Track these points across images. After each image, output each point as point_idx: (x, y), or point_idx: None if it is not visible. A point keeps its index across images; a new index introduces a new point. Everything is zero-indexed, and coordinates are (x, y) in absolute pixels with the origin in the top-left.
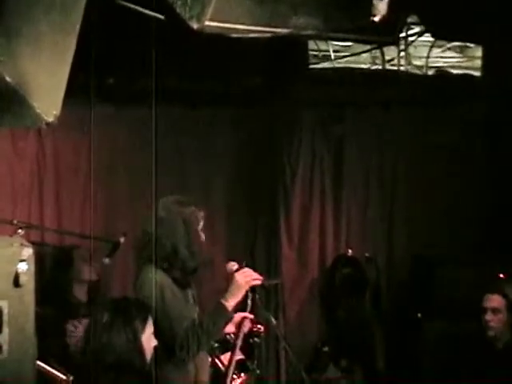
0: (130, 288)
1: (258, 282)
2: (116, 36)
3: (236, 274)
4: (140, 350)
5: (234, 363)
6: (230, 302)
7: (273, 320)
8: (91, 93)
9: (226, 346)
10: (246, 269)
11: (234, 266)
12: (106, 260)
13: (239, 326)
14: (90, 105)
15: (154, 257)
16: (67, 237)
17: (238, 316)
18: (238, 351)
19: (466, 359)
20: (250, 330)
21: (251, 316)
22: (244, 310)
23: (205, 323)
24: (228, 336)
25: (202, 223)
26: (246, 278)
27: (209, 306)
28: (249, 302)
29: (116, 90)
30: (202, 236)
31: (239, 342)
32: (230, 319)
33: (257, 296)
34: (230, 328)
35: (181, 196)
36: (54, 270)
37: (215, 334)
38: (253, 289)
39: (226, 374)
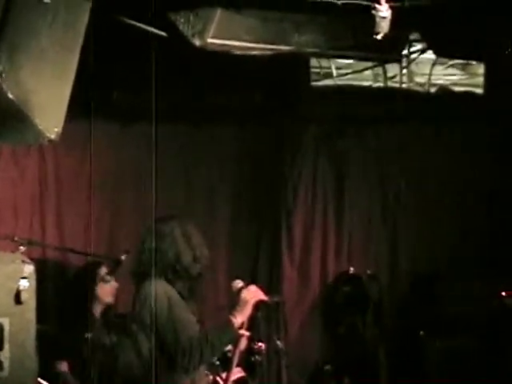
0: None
1: (264, 298)
2: (121, 53)
3: (243, 291)
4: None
5: (230, 380)
6: (238, 319)
7: (276, 337)
8: (92, 111)
9: (227, 363)
10: (252, 286)
11: (239, 283)
12: (108, 277)
13: (236, 343)
14: (94, 120)
15: (153, 269)
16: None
17: None
18: (234, 368)
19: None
20: (248, 348)
21: (248, 333)
22: (241, 328)
23: (210, 336)
24: (229, 354)
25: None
26: (253, 294)
27: (211, 322)
28: (246, 320)
29: (121, 106)
30: (201, 239)
31: (236, 360)
32: (235, 335)
33: (259, 314)
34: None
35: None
36: (75, 286)
37: (219, 348)
38: (256, 307)
39: None
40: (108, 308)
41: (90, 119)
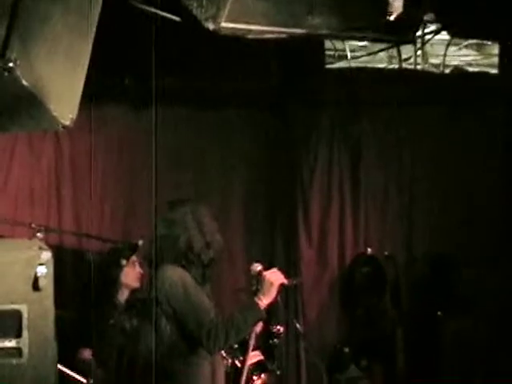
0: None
1: (286, 282)
2: (133, 37)
3: (267, 274)
4: None
5: (247, 363)
6: (263, 301)
7: (295, 320)
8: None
9: (245, 347)
10: (275, 269)
11: (258, 266)
12: (124, 262)
13: None
14: (107, 106)
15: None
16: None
17: None
18: (253, 352)
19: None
20: (263, 331)
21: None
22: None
23: (235, 318)
24: (246, 337)
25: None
26: (277, 277)
27: (228, 304)
28: None
29: (134, 90)
30: (214, 225)
31: (252, 343)
32: (261, 317)
33: (278, 297)
34: None
35: (183, 195)
36: (100, 273)
37: (244, 331)
38: (279, 290)
39: (240, 374)
40: (133, 293)
41: (104, 103)
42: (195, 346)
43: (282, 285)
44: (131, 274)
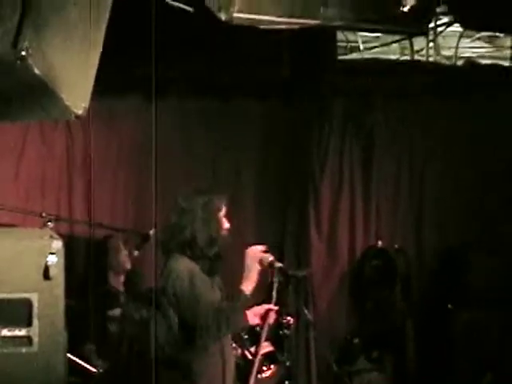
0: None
1: (266, 255)
2: (144, 27)
3: (247, 250)
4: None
5: (260, 354)
6: (247, 286)
7: (305, 311)
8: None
9: (255, 338)
10: (251, 248)
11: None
12: (136, 252)
13: (264, 317)
14: (119, 96)
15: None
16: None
17: (263, 308)
18: (263, 343)
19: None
20: (276, 322)
21: (276, 308)
22: (269, 302)
23: (223, 309)
24: (258, 328)
25: (223, 210)
26: (251, 256)
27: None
28: (273, 293)
29: (145, 80)
30: (225, 223)
31: (264, 334)
32: (246, 303)
33: (276, 279)
34: (255, 320)
35: (201, 186)
36: (89, 260)
37: (234, 319)
38: (277, 279)
39: (252, 365)
40: (130, 279)
41: (116, 94)
42: (193, 338)
43: (260, 261)
44: (124, 258)
